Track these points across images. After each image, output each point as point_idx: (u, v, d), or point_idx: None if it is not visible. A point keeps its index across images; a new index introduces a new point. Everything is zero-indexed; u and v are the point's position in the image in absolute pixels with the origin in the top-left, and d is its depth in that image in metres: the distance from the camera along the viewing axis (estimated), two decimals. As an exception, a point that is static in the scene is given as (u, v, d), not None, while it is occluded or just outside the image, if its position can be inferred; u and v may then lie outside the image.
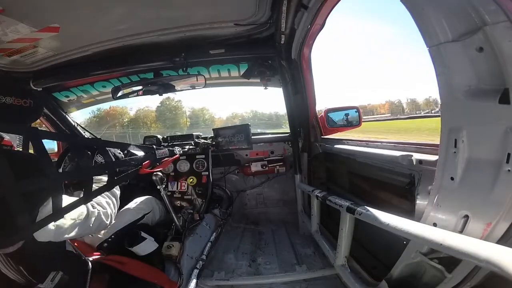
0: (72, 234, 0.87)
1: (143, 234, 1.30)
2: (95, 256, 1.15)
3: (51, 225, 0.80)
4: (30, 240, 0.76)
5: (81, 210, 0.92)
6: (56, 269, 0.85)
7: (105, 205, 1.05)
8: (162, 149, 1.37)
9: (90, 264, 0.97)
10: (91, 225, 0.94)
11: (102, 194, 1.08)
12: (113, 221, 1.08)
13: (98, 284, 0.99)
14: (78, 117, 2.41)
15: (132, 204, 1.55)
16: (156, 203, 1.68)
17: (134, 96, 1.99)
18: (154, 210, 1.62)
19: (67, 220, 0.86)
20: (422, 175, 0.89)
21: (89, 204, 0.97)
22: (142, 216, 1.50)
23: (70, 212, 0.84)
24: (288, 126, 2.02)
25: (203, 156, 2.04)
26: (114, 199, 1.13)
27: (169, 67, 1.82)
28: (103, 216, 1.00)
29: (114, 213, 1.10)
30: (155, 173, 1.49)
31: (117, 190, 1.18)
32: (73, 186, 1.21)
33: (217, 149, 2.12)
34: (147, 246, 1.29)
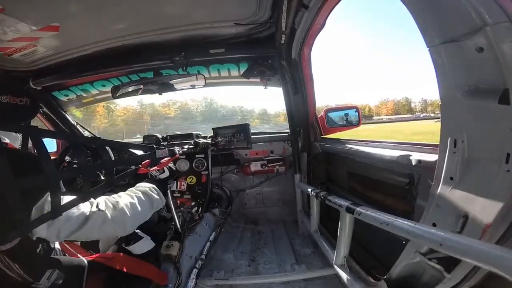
0: (64, 236, 0.79)
1: (140, 233, 1.29)
2: (89, 254, 1.14)
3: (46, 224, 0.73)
4: (25, 237, 0.75)
5: (84, 210, 0.82)
6: (52, 267, 0.84)
7: (123, 206, 0.89)
8: (163, 148, 1.37)
9: (86, 262, 0.97)
10: (89, 228, 0.81)
11: (127, 194, 0.95)
12: (129, 229, 0.92)
13: (94, 282, 0.99)
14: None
15: None
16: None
17: (134, 95, 2.00)
18: None
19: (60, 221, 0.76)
20: (422, 175, 0.89)
21: (94, 203, 0.86)
22: None
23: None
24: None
25: (203, 155, 2.05)
26: (140, 204, 0.96)
27: (169, 66, 1.82)
28: (110, 222, 0.85)
29: (133, 220, 0.92)
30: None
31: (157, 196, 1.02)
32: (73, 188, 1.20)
33: (216, 148, 2.12)
34: (143, 245, 1.28)
